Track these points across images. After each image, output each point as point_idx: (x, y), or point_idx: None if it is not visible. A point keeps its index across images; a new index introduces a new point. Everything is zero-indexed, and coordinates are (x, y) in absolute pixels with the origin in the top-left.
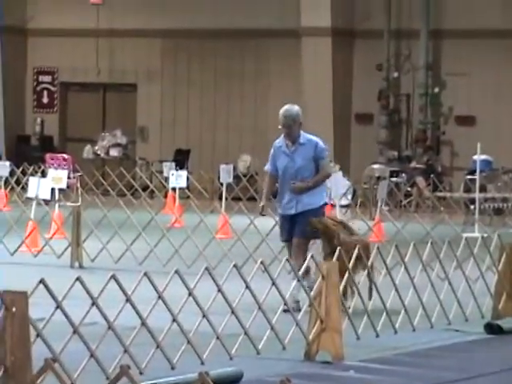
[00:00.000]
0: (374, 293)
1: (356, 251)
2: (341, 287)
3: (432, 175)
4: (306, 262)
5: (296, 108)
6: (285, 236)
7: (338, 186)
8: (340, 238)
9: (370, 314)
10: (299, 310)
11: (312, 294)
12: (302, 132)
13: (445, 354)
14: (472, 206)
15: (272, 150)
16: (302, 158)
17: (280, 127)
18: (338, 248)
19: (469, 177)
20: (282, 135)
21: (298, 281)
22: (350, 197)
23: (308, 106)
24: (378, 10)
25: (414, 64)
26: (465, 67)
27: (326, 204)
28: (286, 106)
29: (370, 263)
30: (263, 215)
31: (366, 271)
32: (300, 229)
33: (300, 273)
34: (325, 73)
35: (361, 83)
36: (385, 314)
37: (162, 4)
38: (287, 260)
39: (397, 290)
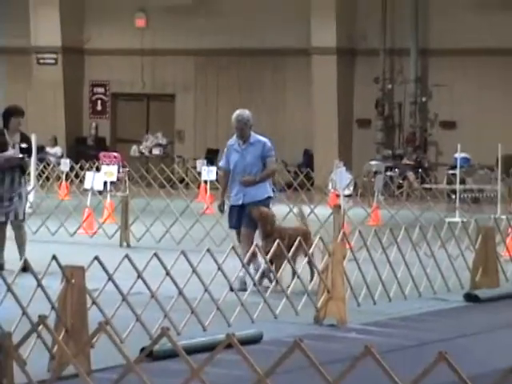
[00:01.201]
0: (372, 268)
1: (287, 238)
2: (278, 270)
3: (420, 170)
4: (252, 247)
5: (247, 113)
6: (233, 224)
7: (341, 178)
8: (274, 224)
9: (368, 285)
10: (245, 290)
11: (320, 268)
12: (252, 133)
13: (431, 319)
14: (453, 196)
15: (226, 149)
16: (252, 155)
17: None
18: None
19: (451, 171)
20: (235, 135)
21: (244, 266)
22: (352, 188)
23: (317, 113)
24: (375, 33)
25: (406, 77)
26: (448, 80)
27: (270, 197)
28: (238, 111)
29: (310, 251)
30: (221, 211)
31: (307, 258)
32: (247, 219)
33: (247, 258)
34: (331, 85)
35: (361, 93)
36: (381, 285)
37: (196, 28)
38: (233, 248)
39: (391, 265)
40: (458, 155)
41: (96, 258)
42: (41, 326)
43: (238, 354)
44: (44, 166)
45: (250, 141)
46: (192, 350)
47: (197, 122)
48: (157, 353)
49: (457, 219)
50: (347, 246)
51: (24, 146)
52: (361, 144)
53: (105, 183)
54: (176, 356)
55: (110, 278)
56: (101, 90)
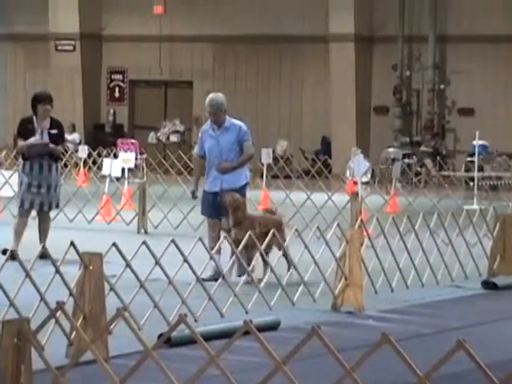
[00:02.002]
0: (389, 256)
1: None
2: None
3: (438, 157)
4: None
5: (220, 97)
6: (207, 211)
7: (359, 166)
8: (245, 212)
9: (385, 272)
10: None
11: (338, 255)
12: (227, 117)
13: (449, 306)
14: (471, 183)
15: (200, 134)
16: (227, 140)
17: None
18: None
19: (469, 159)
20: (209, 120)
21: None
22: (369, 175)
23: (335, 100)
24: (393, 19)
25: (424, 64)
26: (466, 67)
27: (247, 183)
28: (211, 95)
29: (286, 242)
30: (195, 198)
31: (282, 250)
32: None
33: (216, 248)
34: (349, 72)
35: (379, 81)
36: (398, 272)
37: (214, 15)
38: (200, 239)
39: (408, 252)
40: (476, 142)
41: (114, 244)
42: (59, 312)
43: (255, 341)
44: (62, 153)
45: (225, 125)
46: (209, 337)
47: None
48: (174, 339)
49: (475, 206)
50: (365, 233)
51: (54, 131)
52: (378, 131)
53: (122, 170)
54: (193, 342)
55: (128, 265)
56: (119, 76)
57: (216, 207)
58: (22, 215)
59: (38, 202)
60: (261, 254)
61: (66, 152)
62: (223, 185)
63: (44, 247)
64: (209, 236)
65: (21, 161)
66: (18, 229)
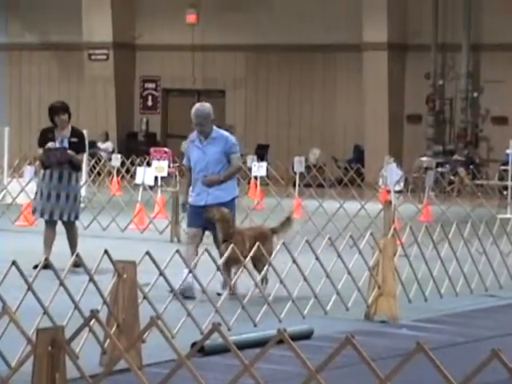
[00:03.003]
0: (423, 265)
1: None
2: (234, 276)
3: (471, 166)
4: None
5: (207, 107)
6: (191, 224)
7: (392, 174)
8: (234, 227)
9: (419, 281)
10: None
11: (371, 264)
12: (214, 127)
13: (483, 316)
14: (505, 192)
15: (187, 145)
16: (213, 151)
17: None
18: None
19: (502, 167)
20: (196, 131)
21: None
22: (402, 184)
23: (368, 109)
24: (426, 28)
25: (457, 73)
26: (500, 75)
27: (236, 197)
28: (198, 105)
29: (272, 254)
30: (184, 212)
31: (267, 262)
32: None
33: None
34: (382, 81)
35: (412, 89)
36: (432, 281)
37: (247, 24)
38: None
39: (442, 261)
40: (510, 151)
41: (147, 253)
42: (93, 321)
43: (288, 350)
44: (95, 161)
45: (212, 136)
46: (242, 346)
47: (247, 118)
48: (207, 348)
49: (508, 215)
50: (398, 242)
51: (74, 140)
52: (411, 140)
53: (155, 178)
54: (227, 351)
55: (162, 273)
56: (152, 85)
57: (203, 220)
58: (47, 225)
59: (58, 212)
60: (248, 266)
61: (100, 160)
62: (208, 199)
63: (77, 255)
64: (187, 247)
65: (41, 170)
66: (45, 239)
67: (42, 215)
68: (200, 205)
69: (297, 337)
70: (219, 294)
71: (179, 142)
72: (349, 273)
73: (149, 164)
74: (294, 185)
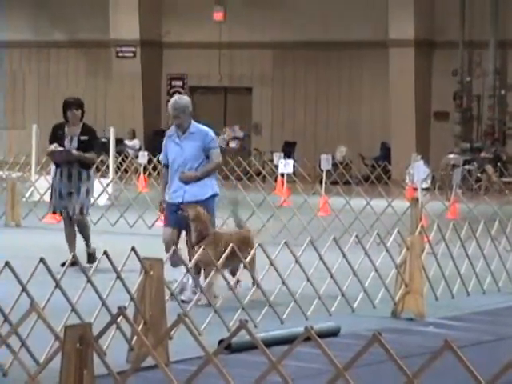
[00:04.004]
0: (450, 262)
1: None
2: (207, 278)
3: (499, 163)
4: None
5: (185, 99)
6: (169, 222)
7: (419, 172)
8: (210, 228)
9: (446, 279)
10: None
11: (398, 261)
12: (193, 122)
13: (510, 314)
14: None
15: (164, 141)
16: (191, 146)
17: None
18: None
19: None
20: (174, 125)
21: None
22: (429, 181)
23: (394, 106)
24: (453, 24)
25: (484, 70)
26: None
27: (215, 195)
28: (176, 98)
29: (250, 256)
30: (161, 211)
31: (246, 267)
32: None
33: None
34: (408, 78)
35: (439, 86)
36: (459, 279)
37: (273, 21)
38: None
39: (469, 259)
40: None
41: (174, 250)
42: (120, 318)
43: (315, 348)
44: (122, 159)
45: (190, 130)
46: (269, 343)
47: (274, 115)
48: (234, 345)
49: None
50: (425, 240)
51: (84, 138)
52: (439, 137)
53: None
54: (253, 348)
55: (188, 271)
56: (178, 83)
57: (179, 218)
58: (64, 223)
59: (72, 209)
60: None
61: (127, 158)
62: (185, 196)
63: (74, 256)
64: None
65: (53, 167)
66: (66, 237)
67: (54, 211)
68: (177, 202)
69: (324, 334)
70: (183, 301)
71: None
72: (376, 270)
73: None
74: (321, 182)
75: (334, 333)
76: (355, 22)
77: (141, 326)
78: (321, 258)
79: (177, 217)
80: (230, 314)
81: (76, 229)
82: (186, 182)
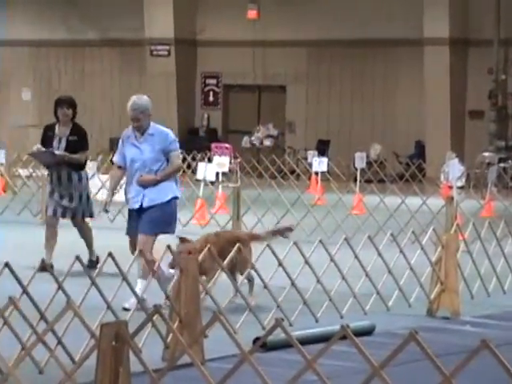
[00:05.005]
0: (486, 261)
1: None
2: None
3: None
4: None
5: (145, 100)
6: (129, 230)
7: (454, 170)
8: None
9: (482, 277)
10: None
11: (433, 259)
12: (151, 123)
13: None
14: None
15: (120, 141)
16: (151, 149)
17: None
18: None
19: None
20: (131, 125)
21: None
22: (464, 180)
23: (429, 104)
24: (489, 22)
25: None
26: None
27: (175, 198)
28: (134, 98)
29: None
30: (106, 211)
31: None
32: (146, 224)
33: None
34: (443, 76)
35: (474, 84)
36: (495, 277)
37: (308, 19)
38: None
39: (505, 257)
40: None
41: (209, 248)
42: (155, 316)
43: (351, 346)
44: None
45: (148, 132)
46: (304, 341)
47: (308, 113)
48: (269, 343)
49: None
50: (461, 238)
51: (72, 138)
52: (473, 135)
53: (217, 174)
54: (288, 347)
55: (223, 269)
56: (213, 81)
57: (138, 225)
58: (47, 223)
59: (61, 211)
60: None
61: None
62: (144, 201)
63: (78, 258)
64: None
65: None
66: (46, 236)
67: (46, 211)
68: (135, 208)
69: (359, 333)
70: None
71: (240, 138)
72: (411, 268)
73: (210, 160)
74: (355, 180)
75: (368, 331)
76: (390, 20)
77: (176, 324)
78: (356, 257)
79: (136, 223)
80: (264, 313)
81: (79, 234)
82: (144, 185)
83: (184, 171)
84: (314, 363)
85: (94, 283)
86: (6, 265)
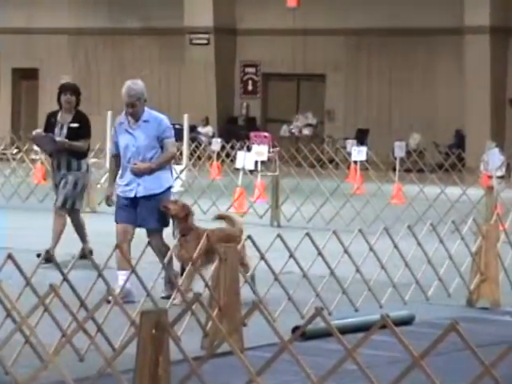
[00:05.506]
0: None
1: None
2: (184, 276)
3: None
4: (170, 252)
5: (140, 85)
6: (120, 218)
7: (494, 160)
8: (190, 223)
9: None
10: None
11: (473, 250)
12: (146, 109)
13: None
14: None
15: (114, 129)
16: (145, 136)
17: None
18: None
19: None
20: (124, 111)
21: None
22: (504, 169)
23: (469, 93)
24: None
25: None
26: None
27: (171, 187)
28: (129, 83)
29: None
30: (109, 205)
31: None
32: (148, 218)
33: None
34: (483, 64)
35: None
36: None
37: (347, 8)
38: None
39: None
40: None
41: (249, 236)
42: (195, 304)
43: (390, 336)
44: (196, 146)
45: (143, 118)
46: (343, 331)
47: (347, 102)
48: (309, 332)
49: None
50: (501, 228)
51: (74, 125)
52: None
53: (255, 163)
54: (327, 336)
55: (263, 257)
56: (252, 70)
57: (132, 214)
58: (54, 212)
59: (60, 200)
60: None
61: (200, 145)
62: (139, 190)
63: (84, 248)
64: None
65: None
66: (53, 227)
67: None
68: (130, 196)
69: (398, 322)
70: (163, 297)
71: (279, 127)
72: (450, 258)
73: (249, 148)
74: (394, 170)
75: (408, 321)
76: (430, 9)
77: (215, 312)
78: (395, 246)
79: (129, 212)
80: (303, 302)
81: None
82: (139, 174)
83: (223, 160)
84: (353, 352)
85: (133, 271)
86: (47, 252)
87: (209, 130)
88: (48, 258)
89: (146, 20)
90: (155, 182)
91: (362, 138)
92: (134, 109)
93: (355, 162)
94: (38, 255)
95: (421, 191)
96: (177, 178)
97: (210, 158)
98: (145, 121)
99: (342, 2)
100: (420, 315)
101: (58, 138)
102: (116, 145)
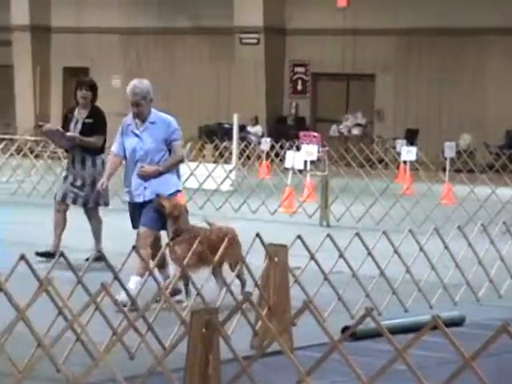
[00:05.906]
0: None
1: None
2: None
3: None
4: (160, 253)
5: (146, 84)
6: (135, 224)
7: None
8: (186, 222)
9: None
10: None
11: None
12: (153, 110)
13: None
14: None
15: (120, 129)
16: (153, 138)
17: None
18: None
19: None
20: (131, 113)
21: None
22: None
23: None
24: None
25: None
26: None
27: (178, 191)
28: (135, 82)
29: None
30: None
31: (235, 269)
32: (148, 218)
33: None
34: None
35: None
36: None
37: (398, 7)
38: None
39: None
40: None
41: (299, 236)
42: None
43: (440, 336)
44: (245, 145)
45: (150, 120)
46: (393, 331)
47: (397, 102)
48: (358, 332)
49: None
50: None
51: (88, 121)
52: None
53: (305, 162)
54: (377, 336)
55: (313, 257)
56: (301, 69)
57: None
58: (55, 208)
59: (71, 198)
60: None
61: (250, 144)
62: (147, 193)
63: (99, 251)
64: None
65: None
66: (54, 222)
67: (55, 197)
68: (138, 201)
69: (448, 323)
70: (179, 301)
71: (328, 127)
72: (502, 260)
73: (298, 148)
74: (444, 170)
75: (458, 322)
76: (480, 9)
77: (265, 312)
78: (446, 247)
79: (140, 216)
80: (353, 302)
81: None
82: (146, 177)
83: (272, 159)
84: (403, 353)
85: (183, 270)
86: (99, 252)
87: (258, 129)
88: (97, 257)
89: (196, 19)
90: (162, 185)
91: (411, 137)
92: (139, 108)
93: (405, 162)
94: (44, 254)
95: (471, 192)
96: (226, 177)
97: (259, 157)
98: (151, 122)
99: (391, 2)
100: (470, 316)
101: (68, 134)
102: (122, 147)
